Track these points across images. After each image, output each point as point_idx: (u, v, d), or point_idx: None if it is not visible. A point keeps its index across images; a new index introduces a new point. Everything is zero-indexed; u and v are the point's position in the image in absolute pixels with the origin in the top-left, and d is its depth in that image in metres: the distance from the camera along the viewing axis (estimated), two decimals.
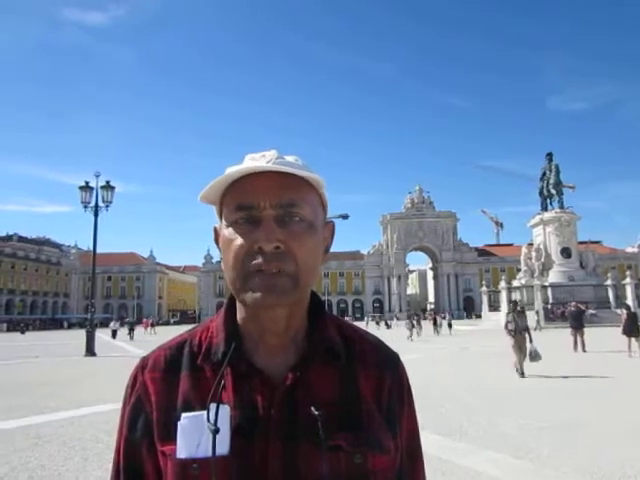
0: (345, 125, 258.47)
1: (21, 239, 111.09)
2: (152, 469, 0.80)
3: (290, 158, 0.81)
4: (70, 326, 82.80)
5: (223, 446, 0.73)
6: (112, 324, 37.80)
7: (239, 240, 0.75)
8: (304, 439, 0.74)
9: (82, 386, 11.70)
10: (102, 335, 33.71)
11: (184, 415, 0.76)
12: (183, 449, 0.74)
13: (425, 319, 40.95)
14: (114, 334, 34.95)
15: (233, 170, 0.76)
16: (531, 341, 12.19)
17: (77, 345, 24.00)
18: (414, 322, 29.84)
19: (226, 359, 0.78)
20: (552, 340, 22.47)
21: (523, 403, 8.56)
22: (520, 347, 12.08)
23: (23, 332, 57.18)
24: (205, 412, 0.75)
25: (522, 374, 11.74)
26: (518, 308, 13.15)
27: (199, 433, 0.74)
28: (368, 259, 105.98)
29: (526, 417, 7.35)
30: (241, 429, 0.75)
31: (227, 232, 0.78)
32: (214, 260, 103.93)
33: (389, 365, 0.89)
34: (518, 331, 12.18)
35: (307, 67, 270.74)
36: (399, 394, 0.88)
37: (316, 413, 0.74)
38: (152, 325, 51.29)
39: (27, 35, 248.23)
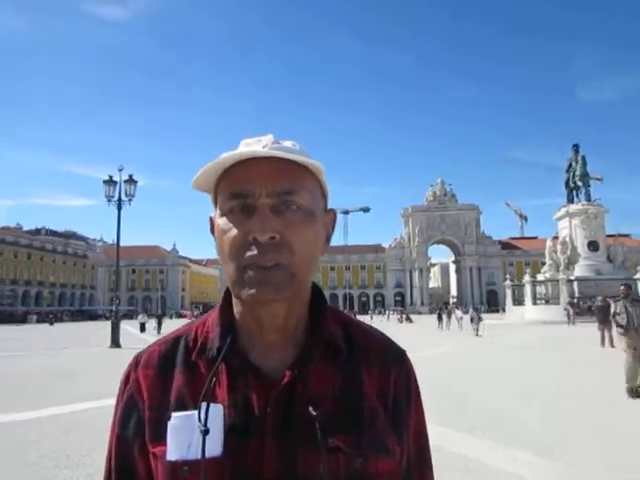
0: (366, 117, 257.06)
1: (49, 232, 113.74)
2: (144, 470, 0.76)
3: (287, 143, 0.76)
4: (96, 317, 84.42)
5: (215, 447, 0.69)
6: (140, 317, 34.90)
7: (233, 230, 0.71)
8: (301, 440, 0.70)
9: (107, 376, 11.91)
10: (128, 327, 34.14)
11: (174, 415, 0.72)
12: (173, 451, 0.70)
13: (450, 312, 40.46)
14: (142, 327, 32.57)
15: (227, 155, 0.71)
16: None
17: (103, 336, 24.43)
18: (443, 314, 29.84)
19: (220, 355, 0.74)
20: (582, 335, 22.06)
21: (548, 398, 8.44)
22: (635, 349, 8.53)
23: (52, 323, 58.44)
24: (196, 412, 0.70)
25: (636, 392, 8.30)
26: (632, 295, 9.42)
27: (190, 434, 0.70)
28: (390, 252, 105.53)
29: (551, 413, 7.23)
30: (235, 429, 0.70)
31: (221, 222, 0.73)
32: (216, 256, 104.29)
33: (395, 362, 0.83)
34: (633, 326, 8.69)
35: (327, 56, 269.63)
36: (406, 393, 0.82)
37: (314, 413, 0.69)
38: (196, 316, 51.25)
39: (53, 31, 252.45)
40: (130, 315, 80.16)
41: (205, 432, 0.68)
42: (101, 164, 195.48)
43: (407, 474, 0.80)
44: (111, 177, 22.88)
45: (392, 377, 0.80)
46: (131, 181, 22.93)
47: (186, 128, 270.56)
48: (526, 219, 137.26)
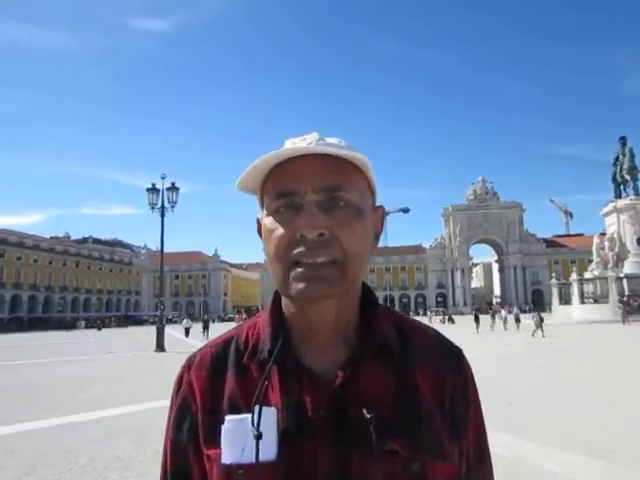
0: (406, 120, 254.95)
1: (95, 241, 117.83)
2: (199, 472, 0.75)
3: (333, 140, 0.74)
4: (142, 323, 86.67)
5: (269, 451, 0.68)
6: (185, 322, 34.08)
7: (280, 229, 0.70)
8: (355, 443, 0.68)
9: (152, 380, 12.20)
10: (172, 332, 34.82)
11: (228, 418, 0.72)
12: (228, 454, 0.70)
13: (494, 313, 39.58)
14: (187, 332, 31.93)
15: (272, 154, 0.70)
16: None
17: (148, 341, 25.07)
18: (480, 315, 28.94)
19: (272, 357, 0.73)
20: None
21: (596, 399, 8.12)
22: None
23: (100, 329, 60.33)
24: (249, 415, 0.70)
25: None
26: None
27: (244, 437, 0.69)
28: (430, 253, 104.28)
29: (601, 416, 6.97)
30: (289, 432, 0.69)
31: (268, 221, 0.72)
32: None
33: (451, 362, 0.80)
34: None
35: (362, 62, 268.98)
36: (464, 394, 0.79)
37: (368, 416, 0.68)
38: (244, 320, 51.46)
39: (99, 44, 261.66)
40: (174, 320, 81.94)
41: (258, 437, 0.67)
42: (145, 172, 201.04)
43: (468, 477, 0.77)
44: (154, 185, 23.53)
45: (449, 378, 0.78)
46: (173, 189, 23.53)
47: (225, 133, 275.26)
48: (571, 216, 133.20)
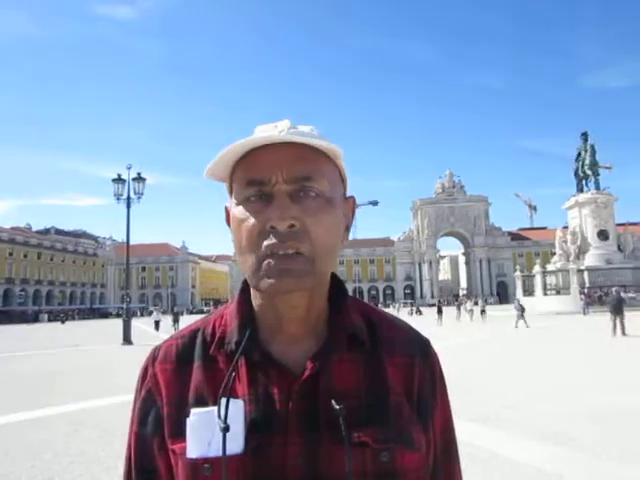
0: (373, 108, 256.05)
1: (58, 232, 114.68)
2: (164, 467, 0.73)
3: (305, 128, 0.73)
4: (107, 316, 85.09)
5: (237, 444, 0.67)
6: (154, 314, 32.73)
7: (251, 219, 0.68)
8: (325, 435, 0.67)
9: (119, 374, 11.97)
10: (139, 324, 34.30)
11: (193, 411, 0.70)
12: (194, 448, 0.68)
13: (460, 304, 40.41)
14: (157, 325, 30.41)
15: (242, 142, 0.68)
16: None
17: (114, 334, 24.62)
18: (442, 307, 29.24)
19: (240, 348, 0.71)
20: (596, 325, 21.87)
21: (557, 387, 8.38)
22: None
23: (63, 322, 59.07)
24: (216, 408, 0.68)
25: None
26: None
27: (210, 431, 0.68)
28: (399, 245, 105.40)
29: (562, 402, 7.19)
30: (257, 425, 0.68)
31: (237, 211, 0.70)
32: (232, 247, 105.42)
33: (419, 352, 0.80)
34: None
35: (333, 47, 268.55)
36: (431, 384, 0.79)
37: (337, 407, 0.67)
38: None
39: (63, 32, 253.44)
40: (141, 313, 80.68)
41: (225, 429, 0.65)
42: (109, 163, 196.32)
43: (434, 468, 0.77)
44: (120, 175, 23.00)
45: (417, 368, 0.77)
46: (140, 179, 23.04)
47: (193, 124, 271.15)
48: (535, 209, 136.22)
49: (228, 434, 0.66)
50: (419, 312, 50.68)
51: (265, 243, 0.67)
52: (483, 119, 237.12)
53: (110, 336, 25.92)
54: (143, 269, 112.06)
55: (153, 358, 0.79)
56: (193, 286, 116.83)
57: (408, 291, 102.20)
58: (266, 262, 0.67)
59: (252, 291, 0.77)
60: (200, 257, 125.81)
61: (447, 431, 0.81)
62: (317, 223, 0.68)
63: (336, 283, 0.80)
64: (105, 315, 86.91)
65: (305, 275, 0.67)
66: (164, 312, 40.84)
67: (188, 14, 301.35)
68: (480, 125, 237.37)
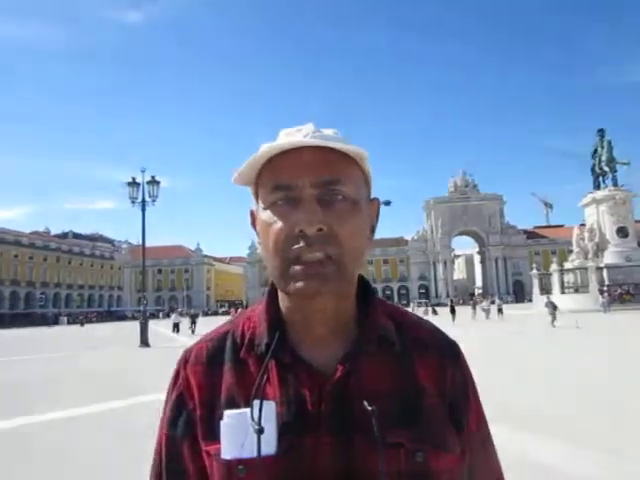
0: (386, 107, 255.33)
1: (76, 235, 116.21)
2: (194, 469, 0.74)
3: (328, 131, 0.74)
4: (124, 318, 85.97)
5: (270, 445, 0.67)
6: (173, 317, 32.68)
7: (278, 223, 0.69)
8: (358, 436, 0.68)
9: (138, 375, 12.12)
10: (156, 327, 34.47)
11: (227, 413, 0.71)
12: (227, 449, 0.69)
13: (475, 303, 40.11)
14: (176, 328, 30.21)
15: (268, 147, 0.69)
16: None
17: (132, 336, 24.86)
18: (454, 307, 29.05)
19: (270, 351, 0.73)
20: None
21: (576, 383, 8.28)
22: None
23: (82, 324, 59.98)
24: (249, 410, 0.69)
25: None
26: None
27: (243, 432, 0.68)
28: (412, 245, 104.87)
29: (574, 398, 7.11)
30: (289, 426, 0.69)
31: (265, 215, 0.71)
32: (258, 250, 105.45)
33: (449, 353, 0.81)
34: None
35: (346, 39, 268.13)
36: (463, 385, 0.79)
37: (369, 408, 0.67)
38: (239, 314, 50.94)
39: (77, 38, 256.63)
40: (157, 315, 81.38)
41: (260, 431, 0.66)
42: (125, 168, 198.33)
43: (471, 468, 0.77)
44: (134, 179, 23.22)
45: (448, 369, 0.78)
46: (154, 182, 23.21)
47: (205, 127, 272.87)
48: (551, 207, 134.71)
49: (262, 436, 0.67)
50: (434, 312, 50.37)
51: (293, 247, 0.68)
52: (498, 117, 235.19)
53: (127, 339, 26.17)
54: (159, 271, 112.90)
55: (185, 360, 0.80)
56: (208, 288, 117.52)
57: (423, 291, 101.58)
58: (294, 266, 0.68)
59: (280, 294, 0.78)
60: (215, 259, 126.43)
61: (482, 430, 0.81)
62: (344, 226, 0.69)
63: (363, 284, 0.81)
64: (122, 318, 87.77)
65: (333, 279, 0.68)
66: (182, 314, 41.11)
67: (198, 16, 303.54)
68: (494, 124, 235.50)
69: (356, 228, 0.71)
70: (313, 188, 0.69)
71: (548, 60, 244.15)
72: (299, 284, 0.67)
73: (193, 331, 29.62)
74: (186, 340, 23.99)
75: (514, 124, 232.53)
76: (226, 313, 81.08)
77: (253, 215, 0.78)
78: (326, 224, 0.67)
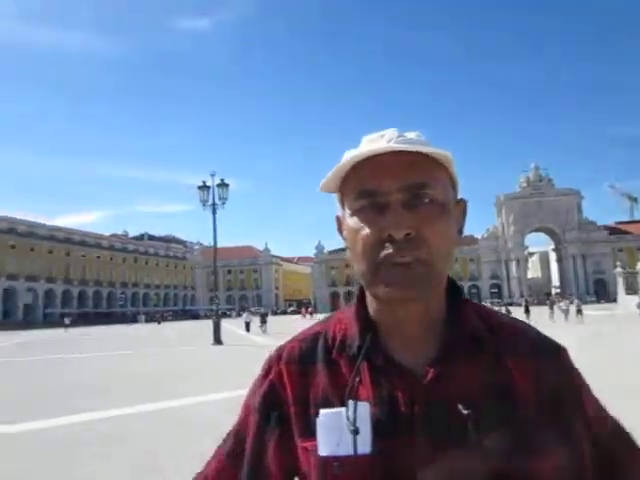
0: (454, 103, 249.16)
1: (151, 237, 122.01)
2: (277, 464, 0.77)
3: (411, 135, 0.74)
4: (198, 317, 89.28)
5: (364, 445, 0.68)
6: (245, 316, 33.54)
7: (366, 229, 0.69)
8: (453, 439, 0.67)
9: (213, 373, 12.44)
10: (227, 325, 35.40)
11: (322, 412, 0.72)
12: (323, 446, 0.70)
13: (552, 303, 38.08)
14: (247, 326, 31.05)
15: (353, 154, 0.70)
16: None
17: (205, 335, 25.62)
18: (529, 307, 27.61)
19: (362, 353, 0.74)
20: None
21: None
22: None
23: (159, 323, 62.86)
24: (344, 409, 0.70)
25: None
26: None
27: (338, 431, 0.70)
28: (483, 243, 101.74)
29: None
30: (383, 427, 0.69)
31: (352, 221, 0.72)
32: (325, 250, 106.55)
33: (547, 355, 0.77)
34: None
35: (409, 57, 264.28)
36: (569, 387, 0.76)
37: (465, 412, 0.67)
38: (311, 313, 51.37)
39: (145, 46, 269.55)
40: (229, 314, 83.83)
41: (355, 431, 0.68)
42: (196, 172, 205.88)
43: (620, 459, 0.77)
44: (204, 182, 23.97)
45: (546, 371, 0.75)
46: (223, 185, 23.89)
47: (272, 129, 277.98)
48: (636, 200, 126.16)
49: (357, 436, 0.68)
50: (508, 312, 48.51)
51: (382, 252, 0.68)
52: (569, 110, 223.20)
53: (201, 337, 26.96)
54: (229, 272, 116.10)
55: (278, 357, 0.82)
56: (277, 287, 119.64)
57: (495, 290, 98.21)
58: (383, 270, 0.68)
59: (368, 297, 0.78)
60: (282, 259, 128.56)
61: (603, 426, 0.79)
62: (433, 230, 0.69)
63: (452, 285, 0.80)
64: (196, 316, 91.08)
65: (423, 282, 0.68)
66: (254, 313, 42.52)
67: (264, 21, 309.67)
68: (567, 116, 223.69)
69: (444, 231, 0.70)
70: (399, 193, 0.69)
71: (615, 48, 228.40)
72: (389, 289, 0.68)
73: (264, 330, 30.06)
74: (258, 339, 24.47)
75: (587, 116, 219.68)
76: (295, 312, 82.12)
77: (339, 221, 0.79)
78: (414, 228, 0.67)
